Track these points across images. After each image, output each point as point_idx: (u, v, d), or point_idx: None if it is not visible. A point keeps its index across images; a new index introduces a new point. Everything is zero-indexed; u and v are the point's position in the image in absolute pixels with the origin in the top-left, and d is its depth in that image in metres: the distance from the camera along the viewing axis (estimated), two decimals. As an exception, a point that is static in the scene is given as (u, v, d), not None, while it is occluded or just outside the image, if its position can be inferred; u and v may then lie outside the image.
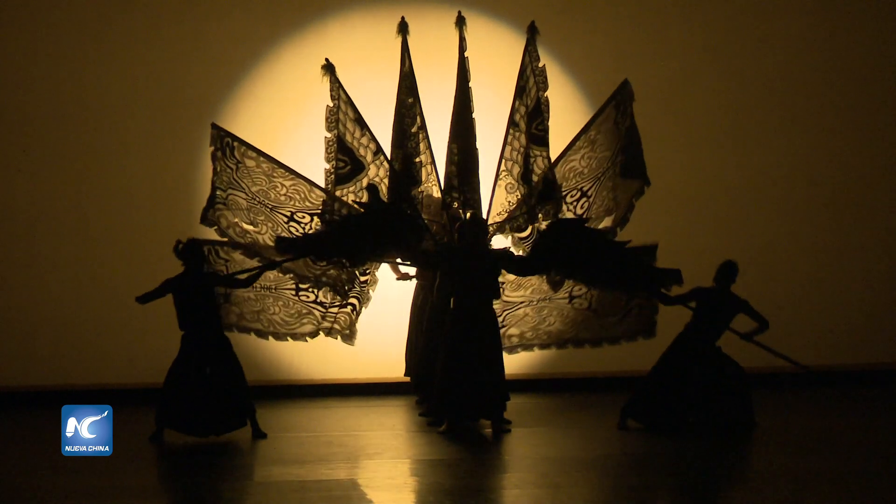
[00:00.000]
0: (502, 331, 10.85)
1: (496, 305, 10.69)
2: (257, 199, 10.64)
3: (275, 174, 10.67)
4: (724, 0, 13.35)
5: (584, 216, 10.83)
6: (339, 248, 10.44)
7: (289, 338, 10.77)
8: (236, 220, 10.61)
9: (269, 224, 10.63)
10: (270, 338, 10.75)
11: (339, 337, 10.82)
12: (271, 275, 10.60)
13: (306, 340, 10.83)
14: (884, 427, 10.68)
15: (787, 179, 13.35)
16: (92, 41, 12.60)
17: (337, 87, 10.69)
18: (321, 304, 10.74)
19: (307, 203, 10.69)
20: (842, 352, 13.18)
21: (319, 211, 10.63)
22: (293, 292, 10.71)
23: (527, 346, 11.13)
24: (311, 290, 10.73)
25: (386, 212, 10.52)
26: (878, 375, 12.97)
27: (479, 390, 10.29)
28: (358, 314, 10.79)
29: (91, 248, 12.52)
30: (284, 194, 10.66)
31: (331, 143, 10.70)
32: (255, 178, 10.65)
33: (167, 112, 12.62)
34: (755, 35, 13.34)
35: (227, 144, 10.64)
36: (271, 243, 10.58)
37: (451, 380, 10.29)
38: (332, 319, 10.79)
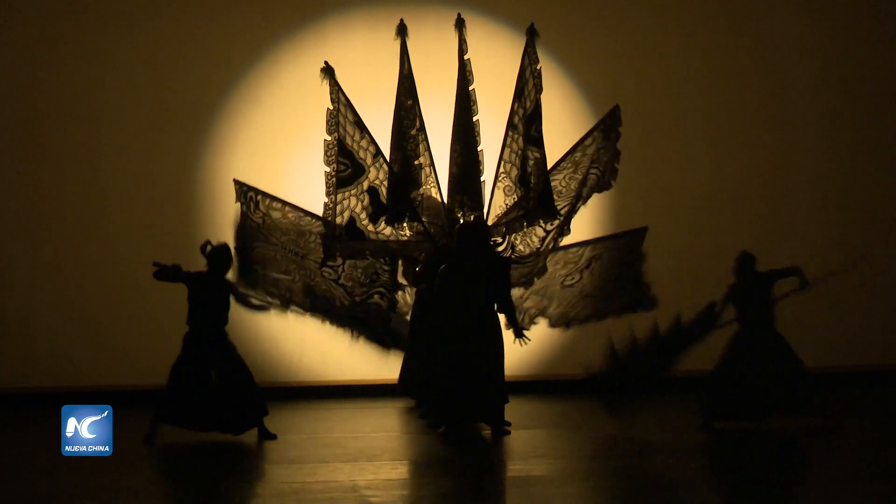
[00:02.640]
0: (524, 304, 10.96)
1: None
2: (287, 248, 10.68)
3: (301, 222, 10.78)
4: (724, 1, 13.37)
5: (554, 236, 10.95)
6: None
7: (294, 307, 10.68)
8: (266, 271, 10.64)
9: (302, 272, 10.69)
10: (273, 310, 10.68)
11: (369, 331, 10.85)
12: (302, 241, 10.68)
13: (303, 312, 10.77)
14: (884, 428, 10.70)
15: (788, 179, 13.37)
16: (91, 43, 12.61)
17: (336, 90, 10.68)
18: (343, 286, 10.70)
19: None
20: (842, 353, 13.20)
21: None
22: (318, 265, 10.71)
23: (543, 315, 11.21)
24: (337, 268, 10.75)
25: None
26: (879, 377, 12.99)
27: (478, 393, 10.29)
28: (391, 302, 10.82)
29: (91, 249, 12.53)
30: (314, 241, 10.72)
31: (331, 146, 10.69)
32: (282, 227, 10.73)
33: (167, 113, 12.64)
34: (755, 35, 13.36)
35: (250, 199, 10.69)
36: (302, 293, 10.70)
37: (450, 382, 10.29)
38: (362, 311, 10.79)
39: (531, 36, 10.91)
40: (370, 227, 10.75)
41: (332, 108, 10.68)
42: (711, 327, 10.51)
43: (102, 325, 12.30)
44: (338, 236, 10.67)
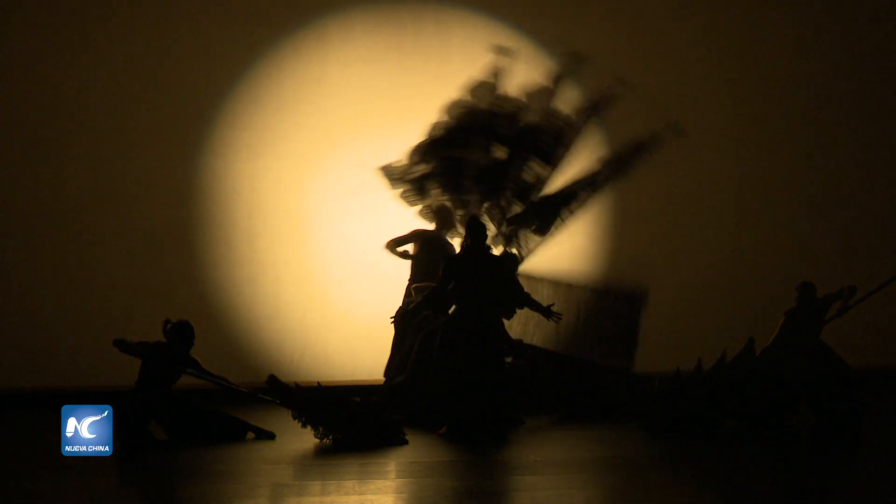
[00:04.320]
0: None
1: None
2: None
3: None
4: (724, 1, 13.37)
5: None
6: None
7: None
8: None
9: None
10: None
11: None
12: None
13: None
14: (884, 428, 10.71)
15: (786, 180, 13.36)
16: (91, 42, 12.62)
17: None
18: None
19: None
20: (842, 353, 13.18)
21: None
22: None
23: None
24: None
25: None
26: (880, 377, 12.99)
27: (482, 395, 10.27)
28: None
29: (91, 249, 12.53)
30: None
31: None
32: None
33: (167, 113, 12.64)
34: (754, 36, 13.36)
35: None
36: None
37: (453, 384, 10.27)
38: None
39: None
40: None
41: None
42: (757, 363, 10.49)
43: (102, 326, 12.28)
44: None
